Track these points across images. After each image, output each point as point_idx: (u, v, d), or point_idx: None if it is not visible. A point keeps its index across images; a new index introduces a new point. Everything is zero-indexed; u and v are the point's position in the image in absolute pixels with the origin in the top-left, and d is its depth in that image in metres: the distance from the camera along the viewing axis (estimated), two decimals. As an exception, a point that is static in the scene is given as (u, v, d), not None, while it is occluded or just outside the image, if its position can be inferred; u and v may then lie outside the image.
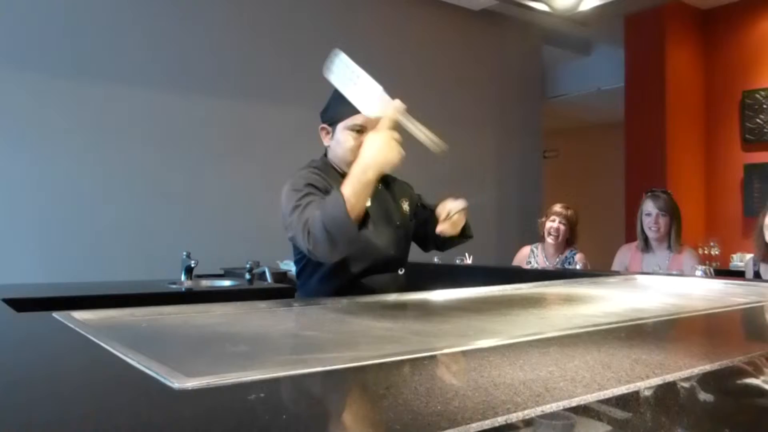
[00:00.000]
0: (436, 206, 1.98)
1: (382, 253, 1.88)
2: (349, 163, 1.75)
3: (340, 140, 1.85)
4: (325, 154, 1.98)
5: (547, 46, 6.11)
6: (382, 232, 1.88)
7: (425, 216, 2.06)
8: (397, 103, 1.62)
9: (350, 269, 1.84)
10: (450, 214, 1.87)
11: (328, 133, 1.90)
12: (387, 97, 1.63)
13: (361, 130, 1.81)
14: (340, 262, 1.77)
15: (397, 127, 1.62)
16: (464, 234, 1.99)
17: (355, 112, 1.75)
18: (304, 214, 1.66)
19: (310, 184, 1.76)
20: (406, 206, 2.03)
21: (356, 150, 1.73)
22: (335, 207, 1.57)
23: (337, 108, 1.84)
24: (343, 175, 1.81)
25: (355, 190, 1.58)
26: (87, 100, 3.62)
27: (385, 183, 2.04)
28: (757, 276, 2.93)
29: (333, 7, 4.57)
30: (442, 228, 1.88)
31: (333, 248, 1.61)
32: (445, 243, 2.07)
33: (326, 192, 1.75)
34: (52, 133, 3.51)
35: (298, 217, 1.67)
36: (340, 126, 1.84)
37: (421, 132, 1.62)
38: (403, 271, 1.98)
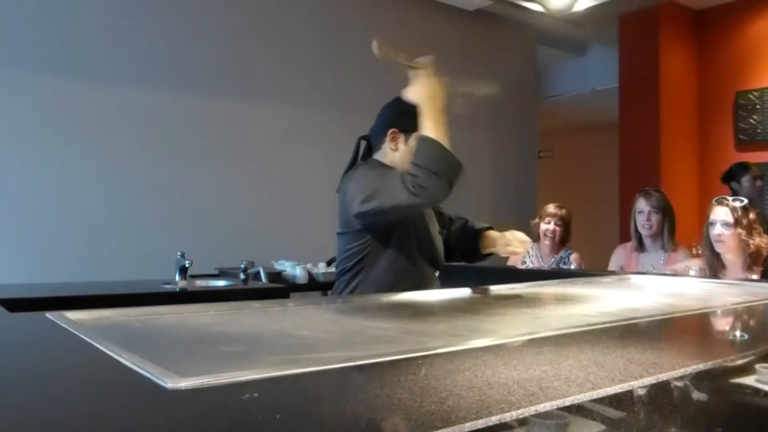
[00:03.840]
0: (464, 220, 2.22)
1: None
2: None
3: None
4: (355, 158, 2.10)
5: (541, 47, 6.12)
6: (436, 235, 2.04)
7: (458, 227, 2.21)
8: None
9: (405, 266, 1.94)
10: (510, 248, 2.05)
11: (396, 138, 1.99)
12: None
13: None
14: (394, 261, 1.90)
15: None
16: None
17: None
18: (393, 176, 1.79)
19: (383, 169, 1.92)
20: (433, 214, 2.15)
21: None
22: (429, 146, 1.76)
23: (416, 119, 1.96)
24: None
25: (436, 125, 1.80)
26: (80, 100, 3.60)
27: None
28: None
29: (327, 7, 4.56)
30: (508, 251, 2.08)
31: (441, 183, 1.75)
32: (476, 256, 2.22)
33: None
34: (45, 132, 3.50)
35: (388, 182, 1.80)
36: (417, 136, 1.96)
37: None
38: (438, 273, 2.07)
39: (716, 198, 2.95)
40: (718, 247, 2.82)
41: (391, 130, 1.99)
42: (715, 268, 2.85)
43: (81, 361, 0.98)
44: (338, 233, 2.02)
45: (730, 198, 2.88)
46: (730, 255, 2.80)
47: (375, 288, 1.91)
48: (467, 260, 2.28)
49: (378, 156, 2.05)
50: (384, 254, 1.92)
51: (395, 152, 2.00)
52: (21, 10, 3.45)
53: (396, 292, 1.83)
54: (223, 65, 4.10)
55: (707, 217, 2.90)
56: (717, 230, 2.79)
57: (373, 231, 1.91)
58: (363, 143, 2.11)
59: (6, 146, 3.38)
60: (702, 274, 2.84)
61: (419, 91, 1.85)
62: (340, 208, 1.97)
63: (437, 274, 2.06)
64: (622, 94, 5.74)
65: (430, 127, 1.81)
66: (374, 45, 1.87)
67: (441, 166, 1.75)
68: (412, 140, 1.96)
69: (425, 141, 1.78)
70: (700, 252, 3.45)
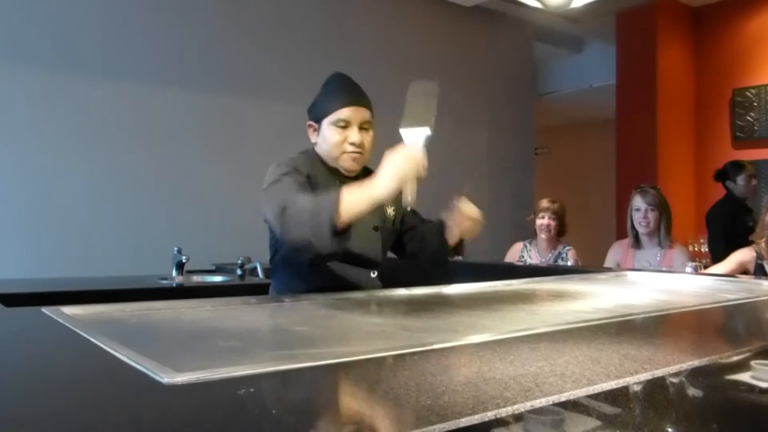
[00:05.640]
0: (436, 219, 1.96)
1: (347, 249, 1.75)
2: (335, 158, 1.83)
3: (326, 136, 1.84)
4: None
5: (539, 43, 6.12)
6: (354, 228, 1.74)
7: (412, 223, 2.02)
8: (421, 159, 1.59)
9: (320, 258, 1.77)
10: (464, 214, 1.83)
11: (315, 130, 1.89)
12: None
13: (345, 126, 1.81)
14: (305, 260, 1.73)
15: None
16: (458, 250, 1.96)
17: (339, 107, 1.80)
18: (282, 188, 1.64)
19: (294, 168, 1.75)
20: (390, 211, 1.98)
21: (340, 144, 1.80)
22: (325, 204, 1.52)
23: (322, 105, 1.85)
24: (330, 170, 1.86)
25: (356, 200, 1.53)
26: (77, 96, 3.59)
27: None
28: (761, 272, 2.91)
29: (323, 3, 4.55)
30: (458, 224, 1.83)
31: (298, 238, 1.56)
32: (431, 258, 2.00)
33: (308, 177, 1.74)
34: (42, 128, 3.49)
35: (275, 190, 1.65)
36: (326, 122, 1.84)
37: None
38: (376, 273, 1.92)
39: None
40: None
41: (307, 124, 1.91)
42: None
43: (77, 356, 0.98)
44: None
45: None
46: None
47: (290, 289, 1.80)
48: (411, 259, 2.05)
49: (316, 149, 1.93)
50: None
51: (316, 146, 1.90)
52: (15, 5, 3.43)
53: (313, 292, 1.72)
54: (220, 62, 4.09)
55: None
56: None
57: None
58: None
59: (2, 142, 3.37)
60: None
61: (386, 165, 1.54)
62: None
63: (374, 274, 1.91)
64: (619, 91, 5.74)
65: (350, 197, 1.53)
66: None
67: (314, 225, 1.52)
68: (324, 128, 1.83)
69: (330, 197, 1.53)
70: (696, 249, 3.44)
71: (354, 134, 1.81)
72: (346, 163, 1.84)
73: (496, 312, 1.54)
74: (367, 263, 1.88)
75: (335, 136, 1.81)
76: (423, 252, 2.01)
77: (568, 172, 8.46)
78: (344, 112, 1.80)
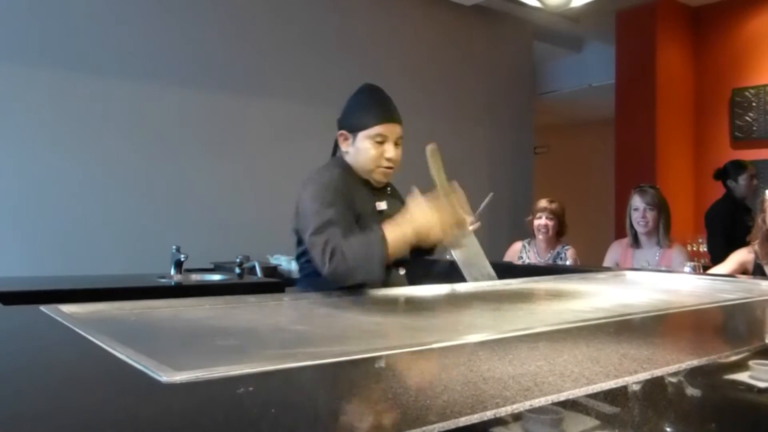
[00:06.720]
0: None
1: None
2: (368, 171, 1.93)
3: (360, 148, 1.91)
4: (333, 153, 2.06)
5: (538, 43, 6.12)
6: None
7: None
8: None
9: None
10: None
11: (347, 139, 1.95)
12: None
13: (382, 141, 1.90)
14: None
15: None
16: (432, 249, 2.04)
17: (377, 123, 1.89)
18: (329, 231, 1.71)
19: (335, 197, 1.81)
20: None
21: (376, 159, 1.90)
22: (374, 248, 1.66)
23: (358, 117, 1.92)
24: (361, 180, 1.95)
25: (396, 245, 1.69)
26: (75, 94, 3.58)
27: (393, 188, 2.10)
28: (760, 272, 2.91)
29: (323, 3, 4.55)
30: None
31: (350, 279, 1.70)
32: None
33: (350, 201, 1.84)
34: (39, 125, 3.48)
35: (320, 227, 1.73)
36: (362, 135, 1.90)
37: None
38: (404, 271, 1.99)
39: None
40: None
41: (339, 133, 1.97)
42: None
43: (75, 354, 0.98)
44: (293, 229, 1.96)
45: None
46: None
47: (320, 290, 1.82)
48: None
49: (341, 154, 2.02)
50: None
51: (347, 154, 1.96)
52: (9, 4, 3.42)
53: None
54: (220, 60, 4.08)
55: (764, 210, 2.90)
56: None
57: None
58: None
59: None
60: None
61: (420, 212, 1.73)
62: (297, 208, 1.92)
63: (402, 272, 1.99)
64: (618, 91, 5.74)
65: (393, 236, 1.70)
66: (428, 148, 1.94)
67: (364, 269, 1.68)
68: (359, 141, 1.91)
69: (377, 241, 1.68)
70: (695, 249, 3.44)
71: (390, 150, 1.91)
72: (379, 176, 1.96)
73: (495, 311, 1.54)
74: (396, 262, 1.94)
75: (371, 151, 1.90)
76: None
77: (568, 171, 8.46)
78: (382, 128, 1.90)
